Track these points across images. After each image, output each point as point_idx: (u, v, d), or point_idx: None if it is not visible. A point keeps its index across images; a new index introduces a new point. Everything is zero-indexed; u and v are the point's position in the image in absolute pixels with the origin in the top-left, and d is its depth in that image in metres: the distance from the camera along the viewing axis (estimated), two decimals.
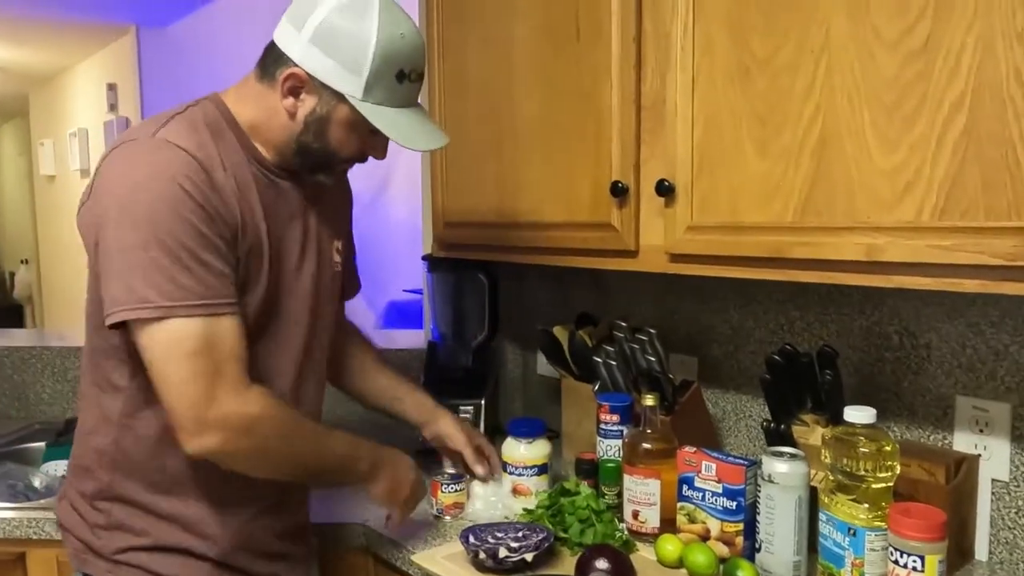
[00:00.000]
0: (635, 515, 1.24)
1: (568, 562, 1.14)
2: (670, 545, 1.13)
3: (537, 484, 1.35)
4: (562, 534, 1.19)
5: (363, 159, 1.10)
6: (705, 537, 1.16)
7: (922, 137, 0.90)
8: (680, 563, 1.12)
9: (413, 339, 2.13)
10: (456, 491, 1.33)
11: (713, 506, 1.15)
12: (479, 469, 1.34)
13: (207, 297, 0.93)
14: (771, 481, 1.09)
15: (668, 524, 1.21)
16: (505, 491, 1.35)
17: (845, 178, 0.97)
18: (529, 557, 1.10)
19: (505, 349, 1.95)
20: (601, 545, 1.15)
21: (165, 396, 0.94)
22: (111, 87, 4.87)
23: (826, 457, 1.04)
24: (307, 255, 1.11)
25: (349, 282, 1.29)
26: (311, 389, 1.16)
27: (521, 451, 1.35)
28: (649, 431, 1.25)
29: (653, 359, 1.42)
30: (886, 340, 1.26)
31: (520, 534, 1.16)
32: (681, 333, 1.56)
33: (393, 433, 1.34)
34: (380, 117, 1.01)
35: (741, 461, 1.15)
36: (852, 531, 1.00)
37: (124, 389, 1.02)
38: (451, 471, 1.34)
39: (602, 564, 1.08)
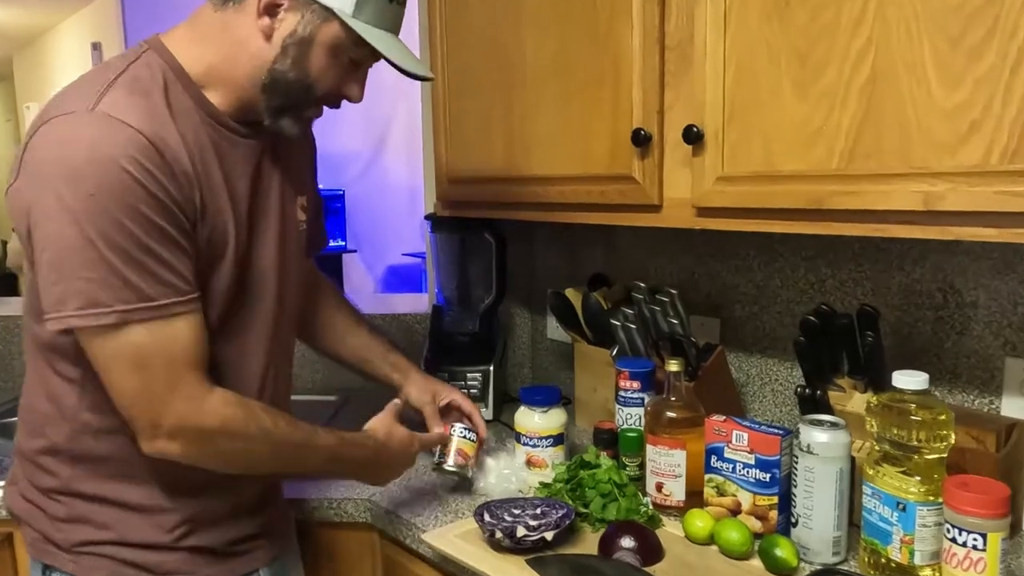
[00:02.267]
0: (659, 488, 1.17)
1: (590, 540, 1.07)
2: (700, 521, 1.06)
3: (553, 456, 1.27)
4: (582, 509, 1.12)
5: (336, 101, 0.98)
6: (735, 511, 1.09)
7: (992, 70, 0.80)
8: (710, 540, 1.05)
9: (415, 304, 2.04)
10: (466, 439, 1.24)
11: (745, 478, 1.08)
12: (437, 429, 1.25)
13: (163, 297, 0.84)
14: (810, 452, 1.01)
15: (694, 497, 1.14)
16: (519, 463, 1.28)
17: (899, 119, 0.87)
18: (549, 536, 1.02)
19: (513, 313, 1.87)
20: (625, 521, 1.08)
21: (118, 403, 0.86)
22: (95, 46, 4.71)
23: (871, 426, 0.96)
24: (270, 218, 1.00)
25: (315, 238, 1.19)
26: (282, 364, 1.08)
27: (536, 421, 1.27)
28: (673, 399, 1.17)
29: (675, 321, 1.34)
30: (928, 298, 1.17)
31: (539, 511, 1.08)
32: (701, 294, 1.47)
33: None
34: (372, 36, 0.90)
35: (776, 430, 1.07)
36: (902, 506, 0.92)
37: (76, 381, 0.92)
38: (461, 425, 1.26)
39: (628, 542, 1.01)
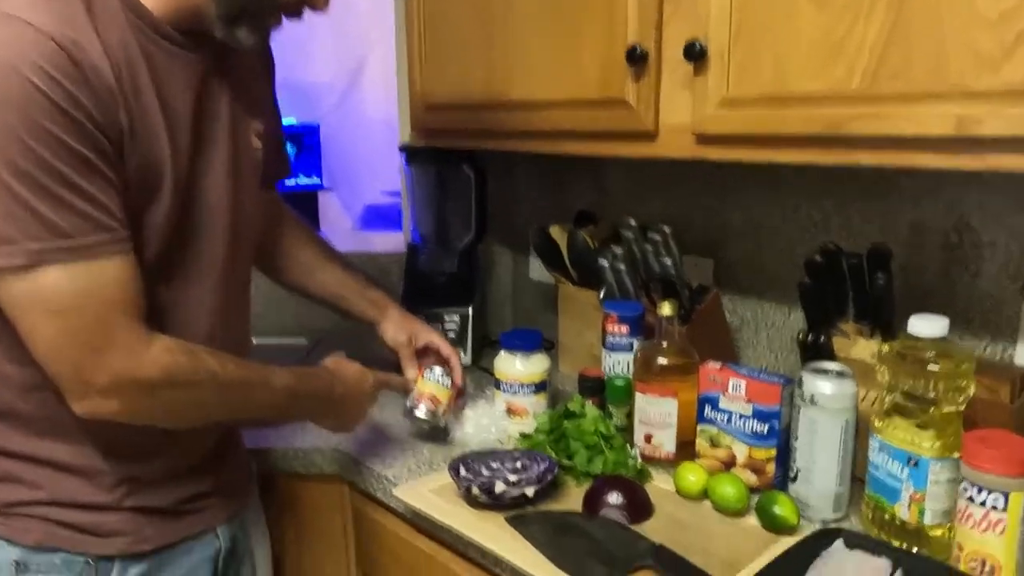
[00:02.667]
0: (648, 439, 1.09)
1: (574, 495, 0.99)
2: (692, 475, 0.99)
3: (535, 404, 1.19)
4: (566, 462, 1.04)
5: (298, 9, 0.84)
6: (729, 464, 1.01)
7: None
8: (703, 495, 0.98)
9: (391, 243, 1.93)
10: (440, 385, 1.15)
11: (741, 430, 1.00)
12: (411, 373, 1.17)
13: (83, 234, 0.72)
14: (813, 403, 0.93)
15: (685, 449, 1.07)
16: (499, 412, 1.19)
17: (933, 30, 0.77)
18: (530, 491, 0.95)
19: (493, 253, 1.76)
20: (612, 476, 1.00)
21: (38, 357, 0.75)
22: None
23: (882, 375, 0.88)
24: (219, 145, 0.88)
25: (276, 164, 1.07)
26: (236, 307, 0.97)
27: (516, 367, 1.18)
28: (665, 344, 1.08)
29: (668, 261, 1.24)
30: (941, 237, 1.08)
31: (519, 464, 1.00)
32: (694, 232, 1.37)
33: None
34: None
35: (775, 379, 0.99)
36: (913, 461, 0.85)
37: None
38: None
39: (615, 498, 0.94)
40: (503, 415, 1.19)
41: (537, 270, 1.67)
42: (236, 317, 0.97)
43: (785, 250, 1.26)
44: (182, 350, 0.80)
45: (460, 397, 1.20)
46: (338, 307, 1.20)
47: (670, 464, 1.06)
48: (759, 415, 0.98)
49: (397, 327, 1.19)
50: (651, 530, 0.91)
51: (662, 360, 1.07)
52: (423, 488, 1.02)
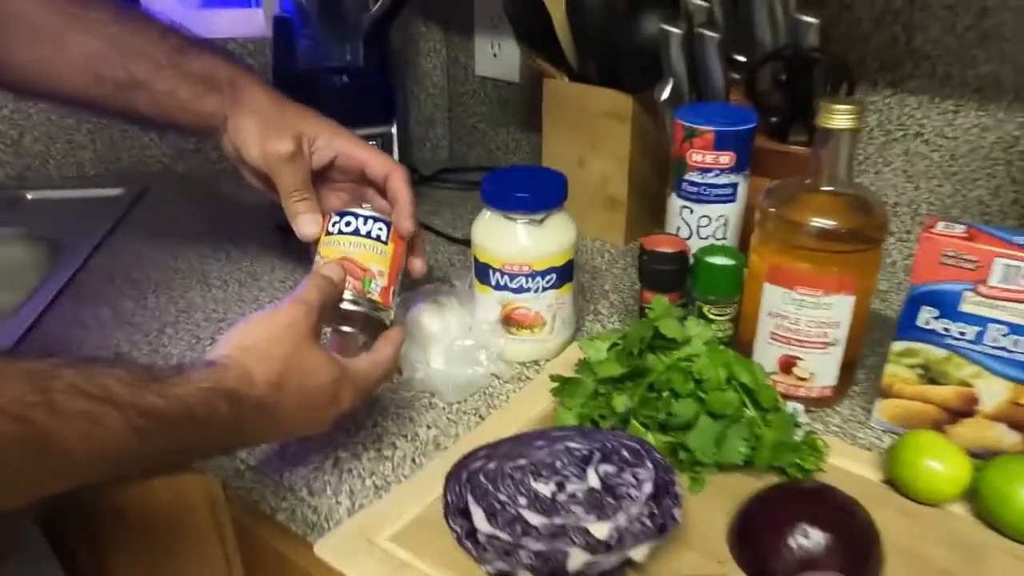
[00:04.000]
0: (787, 365, 0.58)
1: (696, 523, 0.47)
2: (943, 460, 0.48)
3: (557, 309, 0.64)
4: (658, 439, 0.51)
5: None
6: (960, 413, 0.53)
7: None
8: (964, 494, 0.49)
9: (246, 23, 1.23)
10: (368, 239, 0.59)
11: (1004, 354, 0.50)
12: (306, 223, 0.62)
13: None
14: None
15: (843, 382, 0.57)
16: (488, 324, 0.64)
17: None
18: (640, 554, 0.42)
19: (417, 36, 1.12)
20: (789, 487, 0.49)
21: None
22: None
23: None
24: None
25: None
26: None
27: (521, 240, 0.62)
28: (828, 186, 0.54)
29: (768, 26, 0.67)
30: None
31: (593, 471, 0.45)
32: None
33: None
34: None
35: None
36: None
37: None
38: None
39: (811, 544, 0.43)
40: (496, 329, 0.64)
41: (489, 61, 1.06)
42: None
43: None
44: None
45: (416, 266, 0.65)
46: (134, 111, 0.62)
47: (823, 407, 0.56)
48: None
49: (266, 127, 0.62)
50: None
51: (822, 220, 0.54)
52: (378, 533, 0.48)
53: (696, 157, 0.62)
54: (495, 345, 0.64)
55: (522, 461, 0.46)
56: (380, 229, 0.60)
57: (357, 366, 0.51)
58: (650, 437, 0.50)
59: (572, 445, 0.47)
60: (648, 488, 0.43)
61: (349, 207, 0.60)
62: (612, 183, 0.84)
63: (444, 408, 0.60)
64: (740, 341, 0.61)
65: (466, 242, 0.88)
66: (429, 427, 0.58)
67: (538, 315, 0.63)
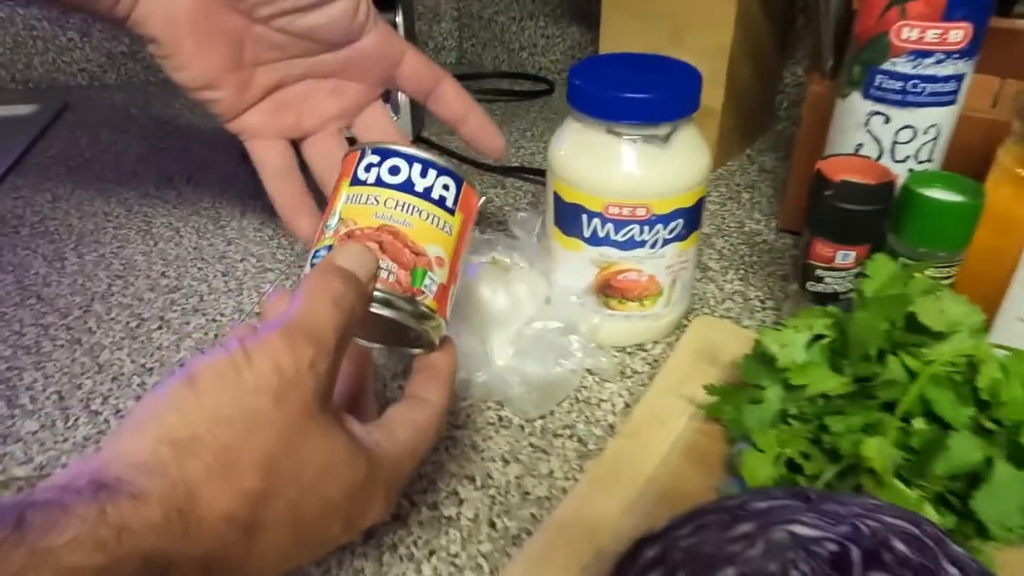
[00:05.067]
0: None
1: None
2: None
3: (679, 271, 0.43)
4: (894, 487, 0.31)
5: None
6: None
7: None
8: None
9: None
10: (402, 192, 0.32)
11: None
12: (276, 189, 0.43)
13: None
14: None
15: None
16: (575, 295, 0.43)
17: None
18: None
19: None
20: None
21: None
22: None
23: None
24: None
25: None
26: None
27: (633, 169, 0.40)
28: None
29: None
30: None
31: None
32: None
33: None
34: None
35: None
36: None
37: None
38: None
39: None
40: (584, 304, 0.43)
41: None
42: None
43: None
44: None
45: (497, 143, 0.46)
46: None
47: None
48: None
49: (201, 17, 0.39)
50: None
51: None
52: None
53: (908, 34, 0.40)
54: (588, 327, 0.43)
55: (731, 572, 0.25)
56: (446, 187, 0.33)
57: (393, 445, 0.28)
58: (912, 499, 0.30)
59: (803, 533, 0.26)
60: None
61: (368, 146, 0.34)
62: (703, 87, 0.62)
63: (523, 427, 0.40)
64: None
65: (527, 172, 0.66)
66: (506, 461, 0.38)
67: (652, 280, 0.42)
